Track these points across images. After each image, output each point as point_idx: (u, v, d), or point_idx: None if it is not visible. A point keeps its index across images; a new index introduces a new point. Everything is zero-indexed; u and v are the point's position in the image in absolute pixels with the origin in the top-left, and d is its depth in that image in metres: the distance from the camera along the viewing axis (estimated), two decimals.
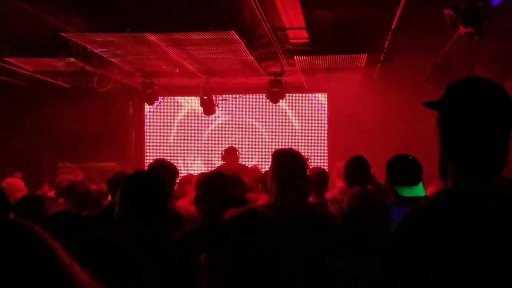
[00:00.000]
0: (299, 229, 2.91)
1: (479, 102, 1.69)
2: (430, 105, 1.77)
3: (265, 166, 8.87)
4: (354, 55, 7.45)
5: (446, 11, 5.21)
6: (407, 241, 1.68)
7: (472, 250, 1.60)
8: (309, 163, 6.94)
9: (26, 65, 8.28)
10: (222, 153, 8.56)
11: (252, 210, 2.33)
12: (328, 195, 5.53)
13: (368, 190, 4.25)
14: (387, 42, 6.81)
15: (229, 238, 2.19)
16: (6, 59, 7.80)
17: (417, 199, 3.66)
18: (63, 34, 6.40)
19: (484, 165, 1.70)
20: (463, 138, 1.71)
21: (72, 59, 7.48)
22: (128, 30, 6.19)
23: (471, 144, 1.70)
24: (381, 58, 7.68)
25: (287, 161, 3.30)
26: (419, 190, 3.85)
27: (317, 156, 10.50)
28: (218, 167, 8.36)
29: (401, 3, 5.26)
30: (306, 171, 3.36)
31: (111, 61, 7.95)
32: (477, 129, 1.68)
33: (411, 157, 4.05)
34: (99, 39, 6.59)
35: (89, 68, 8.02)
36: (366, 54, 7.37)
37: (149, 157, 10.82)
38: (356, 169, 4.56)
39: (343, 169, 4.67)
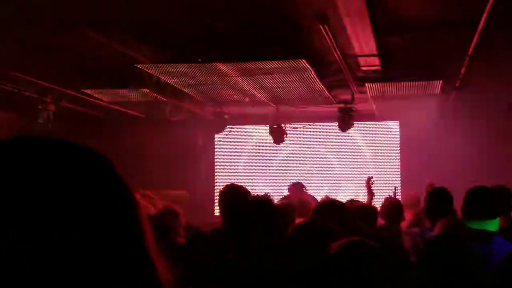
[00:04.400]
0: None
1: None
2: None
3: (336, 195, 8.74)
4: (428, 82, 7.24)
5: None
6: None
7: None
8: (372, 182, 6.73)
9: (102, 96, 8.54)
10: (288, 186, 8.45)
11: None
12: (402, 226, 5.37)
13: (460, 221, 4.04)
14: (463, 68, 6.58)
15: None
16: (83, 90, 8.08)
17: (483, 233, 3.50)
18: (137, 65, 6.55)
19: None
20: None
21: (146, 90, 7.66)
22: (200, 60, 6.28)
23: None
24: (457, 84, 7.43)
25: None
26: (489, 224, 3.63)
27: (389, 185, 10.23)
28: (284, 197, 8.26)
29: (479, 27, 5.07)
30: None
31: (183, 91, 8.07)
32: None
33: (489, 189, 3.85)
34: (172, 69, 6.71)
35: (162, 98, 8.18)
36: (441, 81, 7.15)
37: (219, 186, 10.87)
38: (439, 201, 4.36)
39: (425, 201, 4.48)
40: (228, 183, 4.36)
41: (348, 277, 2.09)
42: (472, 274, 2.55)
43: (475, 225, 3.66)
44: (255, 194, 3.34)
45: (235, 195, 3.88)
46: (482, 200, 3.76)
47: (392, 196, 6.56)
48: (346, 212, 3.75)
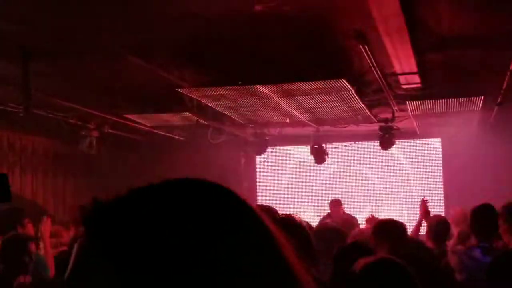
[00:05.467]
0: None
1: None
2: None
3: (379, 214, 8.66)
4: (470, 98, 7.17)
5: None
6: None
7: None
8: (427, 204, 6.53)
9: (144, 121, 8.69)
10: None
11: None
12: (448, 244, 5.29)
13: None
14: (505, 84, 6.50)
15: None
16: (126, 115, 8.25)
17: None
18: (178, 89, 6.67)
19: None
20: None
21: (187, 114, 7.77)
22: (240, 83, 6.36)
23: None
24: (499, 100, 7.33)
25: None
26: None
27: (432, 203, 10.08)
28: (324, 216, 8.29)
29: None
30: None
31: (224, 114, 8.16)
32: None
33: None
34: (213, 93, 6.80)
35: (203, 122, 8.28)
36: (482, 97, 7.07)
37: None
38: (484, 218, 4.30)
39: (470, 218, 4.42)
40: (270, 204, 4.40)
41: None
42: None
43: None
44: (284, 214, 3.37)
45: None
46: None
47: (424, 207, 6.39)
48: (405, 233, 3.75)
